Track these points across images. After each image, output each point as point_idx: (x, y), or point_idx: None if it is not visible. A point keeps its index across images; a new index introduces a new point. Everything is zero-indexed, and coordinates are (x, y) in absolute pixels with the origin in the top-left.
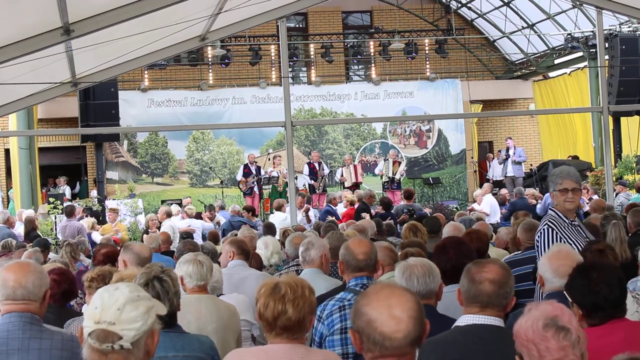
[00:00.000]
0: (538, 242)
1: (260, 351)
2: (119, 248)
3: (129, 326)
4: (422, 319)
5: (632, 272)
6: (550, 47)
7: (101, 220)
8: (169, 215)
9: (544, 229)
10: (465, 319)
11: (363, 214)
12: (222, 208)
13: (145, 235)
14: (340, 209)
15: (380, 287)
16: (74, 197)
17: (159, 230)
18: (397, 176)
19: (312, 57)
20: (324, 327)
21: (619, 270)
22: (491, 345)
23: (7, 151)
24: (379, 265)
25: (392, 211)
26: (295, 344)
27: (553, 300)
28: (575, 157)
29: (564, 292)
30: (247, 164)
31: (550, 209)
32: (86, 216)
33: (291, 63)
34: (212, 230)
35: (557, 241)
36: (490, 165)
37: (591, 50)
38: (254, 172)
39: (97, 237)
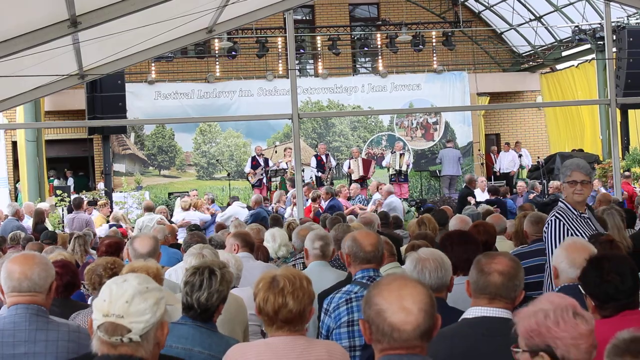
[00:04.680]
0: (546, 233)
1: (262, 345)
2: (125, 240)
3: (137, 319)
4: (434, 313)
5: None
6: (558, 39)
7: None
8: (149, 209)
9: (551, 220)
10: (473, 311)
11: (469, 198)
12: (213, 201)
13: (155, 227)
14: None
15: (394, 278)
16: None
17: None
18: (404, 168)
19: (319, 49)
20: (331, 320)
21: (631, 261)
22: (499, 338)
23: (14, 144)
24: (384, 258)
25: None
26: (297, 336)
27: (560, 293)
28: (580, 150)
29: (579, 285)
30: (255, 156)
31: (560, 201)
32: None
33: (298, 55)
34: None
35: (564, 233)
36: (495, 159)
37: (599, 42)
38: (262, 164)
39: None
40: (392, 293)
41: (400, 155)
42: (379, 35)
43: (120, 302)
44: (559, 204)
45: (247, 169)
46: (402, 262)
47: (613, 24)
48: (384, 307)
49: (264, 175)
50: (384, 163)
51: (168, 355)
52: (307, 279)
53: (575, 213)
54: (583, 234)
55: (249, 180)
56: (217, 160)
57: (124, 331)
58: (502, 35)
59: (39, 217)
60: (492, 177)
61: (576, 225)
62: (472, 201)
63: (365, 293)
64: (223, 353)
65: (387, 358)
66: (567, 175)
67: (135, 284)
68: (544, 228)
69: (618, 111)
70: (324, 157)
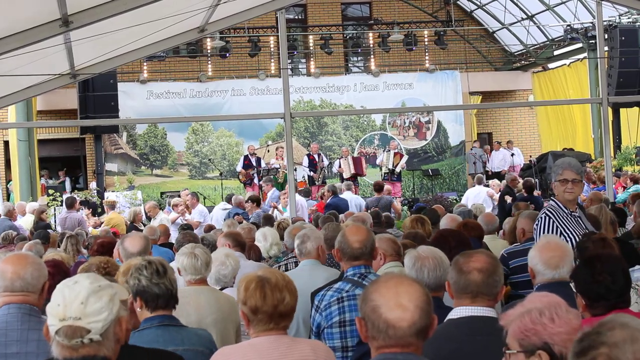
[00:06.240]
0: (535, 230)
1: (246, 346)
2: (117, 239)
3: (95, 318)
4: (430, 312)
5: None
6: (550, 38)
7: (100, 212)
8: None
9: (541, 217)
10: (457, 312)
11: (506, 197)
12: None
13: (146, 227)
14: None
15: (391, 276)
16: (73, 189)
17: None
18: (398, 169)
19: (311, 48)
20: (322, 317)
21: (623, 261)
22: (486, 337)
23: (6, 143)
24: (376, 253)
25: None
26: (281, 335)
27: (545, 292)
28: (572, 149)
29: (570, 283)
30: (247, 155)
31: (551, 199)
32: (83, 208)
33: (290, 55)
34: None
35: (554, 231)
36: (488, 157)
37: (590, 41)
38: (254, 163)
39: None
40: (389, 290)
41: (395, 154)
42: (371, 35)
43: (75, 304)
44: (550, 202)
45: (239, 168)
46: None
47: (605, 23)
48: (379, 303)
49: (255, 174)
50: (377, 161)
51: (136, 346)
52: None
53: (566, 211)
54: (574, 232)
55: (240, 180)
56: (209, 160)
57: (84, 332)
58: (494, 34)
59: (39, 216)
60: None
61: (566, 224)
62: (509, 200)
63: (363, 290)
64: (198, 344)
65: (382, 356)
66: (559, 174)
67: (87, 284)
68: (534, 225)
69: (610, 110)
70: (316, 157)
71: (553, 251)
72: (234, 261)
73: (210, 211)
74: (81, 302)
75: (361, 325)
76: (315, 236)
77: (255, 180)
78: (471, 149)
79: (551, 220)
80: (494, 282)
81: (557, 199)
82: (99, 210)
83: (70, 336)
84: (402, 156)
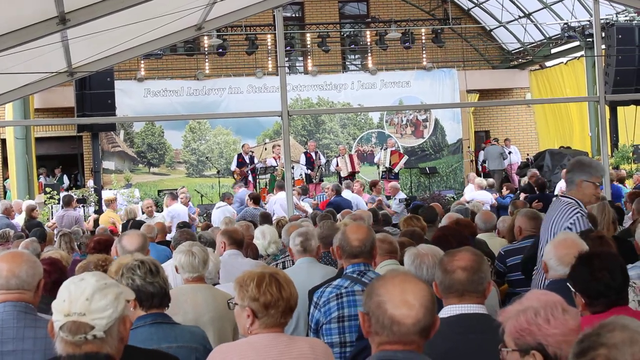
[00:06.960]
0: (573, 227)
1: (244, 344)
2: (114, 237)
3: (99, 315)
4: (434, 311)
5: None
6: (547, 36)
7: (97, 211)
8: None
9: (578, 217)
10: (447, 311)
11: (521, 194)
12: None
13: (144, 224)
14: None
15: (397, 273)
16: (69, 188)
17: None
18: (396, 170)
19: (308, 46)
20: (321, 314)
21: (620, 258)
22: (480, 335)
23: (3, 141)
24: (376, 252)
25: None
26: (278, 333)
27: (546, 290)
28: (569, 147)
29: (567, 283)
30: (241, 153)
31: (569, 197)
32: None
33: (287, 53)
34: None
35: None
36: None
37: (588, 39)
38: (247, 162)
39: None
40: (395, 287)
41: (392, 152)
42: (368, 33)
43: (81, 300)
44: (570, 200)
45: (233, 167)
46: None
47: (602, 21)
48: (385, 299)
49: (249, 173)
50: (375, 160)
51: (133, 346)
52: None
53: (585, 212)
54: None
55: (234, 179)
56: (206, 158)
57: (87, 329)
58: (492, 33)
59: (29, 214)
60: (482, 174)
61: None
62: (522, 196)
63: (367, 286)
64: (191, 341)
65: (383, 354)
66: (596, 176)
67: (93, 281)
68: (568, 223)
69: (607, 108)
70: (313, 155)
71: (568, 248)
72: (213, 257)
73: (206, 212)
74: (86, 299)
75: (364, 320)
76: (315, 234)
77: (250, 178)
78: (488, 146)
79: (587, 220)
80: (479, 279)
81: (578, 197)
82: (96, 208)
83: (74, 332)
84: (401, 156)
